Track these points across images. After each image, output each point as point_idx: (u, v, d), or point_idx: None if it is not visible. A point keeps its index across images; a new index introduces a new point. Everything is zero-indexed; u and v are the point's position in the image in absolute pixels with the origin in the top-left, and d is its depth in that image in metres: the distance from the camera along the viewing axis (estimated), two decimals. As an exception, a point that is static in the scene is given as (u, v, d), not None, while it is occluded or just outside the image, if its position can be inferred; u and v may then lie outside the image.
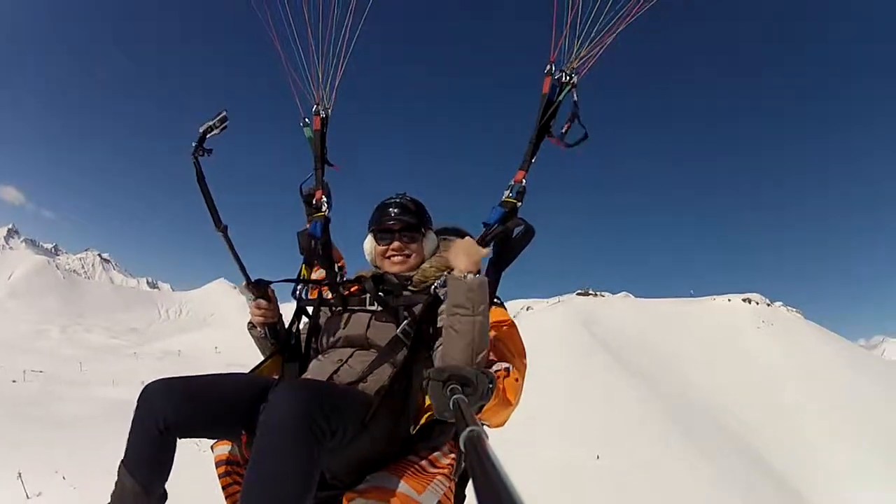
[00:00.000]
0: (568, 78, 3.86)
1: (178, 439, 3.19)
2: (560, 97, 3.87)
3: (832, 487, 62.87)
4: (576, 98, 3.87)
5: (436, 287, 3.66)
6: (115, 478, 3.18)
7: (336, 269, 4.38)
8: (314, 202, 4.54)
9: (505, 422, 3.78)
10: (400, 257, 4.11)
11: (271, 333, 4.15)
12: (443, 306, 3.49)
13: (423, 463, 3.28)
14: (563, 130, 3.85)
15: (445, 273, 3.60)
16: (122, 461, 3.16)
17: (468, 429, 1.66)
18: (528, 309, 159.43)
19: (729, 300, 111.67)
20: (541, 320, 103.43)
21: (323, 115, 4.76)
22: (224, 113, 4.20)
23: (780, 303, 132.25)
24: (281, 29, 4.60)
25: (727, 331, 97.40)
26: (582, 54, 3.85)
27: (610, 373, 78.10)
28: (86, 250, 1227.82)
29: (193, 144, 4.09)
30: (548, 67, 3.89)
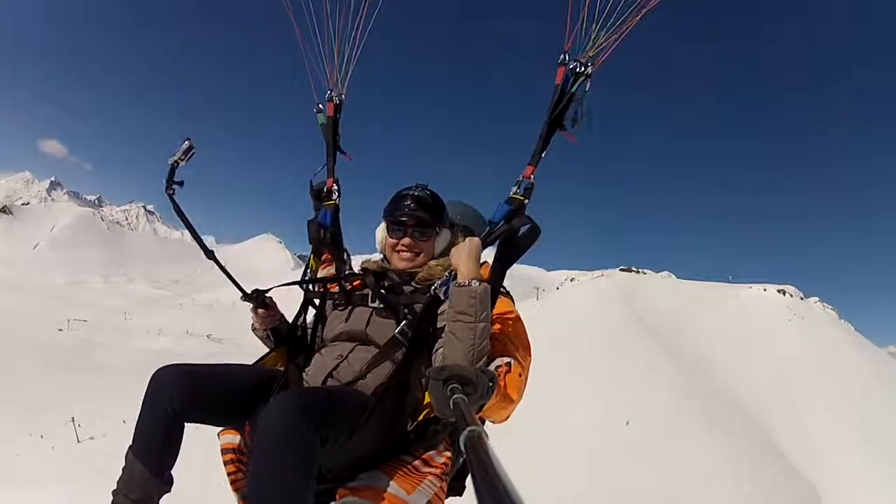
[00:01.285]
0: (583, 68, 3.78)
1: (184, 425, 3.43)
2: (573, 88, 3.79)
3: (840, 483, 63.54)
4: (587, 88, 3.78)
5: (436, 287, 3.65)
6: (123, 463, 3.39)
7: (345, 259, 4.54)
8: (325, 190, 4.67)
9: (507, 418, 3.68)
10: (409, 254, 4.13)
11: (273, 334, 4.37)
12: (443, 307, 3.54)
13: (416, 462, 3.41)
14: (577, 123, 3.81)
15: (446, 275, 3.65)
16: (130, 447, 3.39)
17: (468, 428, 1.66)
18: (571, 280, 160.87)
19: (764, 289, 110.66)
20: (583, 291, 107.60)
21: (336, 100, 4.84)
22: (187, 142, 4.36)
23: (817, 298, 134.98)
24: (299, 9, 4.66)
25: (758, 319, 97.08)
26: (599, 42, 3.77)
27: (643, 347, 79.53)
28: (130, 202, 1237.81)
29: (164, 180, 4.34)
30: (561, 57, 3.83)
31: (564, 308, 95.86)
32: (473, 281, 3.39)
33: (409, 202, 4.12)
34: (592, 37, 3.73)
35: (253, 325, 4.45)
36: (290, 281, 4.43)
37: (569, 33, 3.77)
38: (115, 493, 3.33)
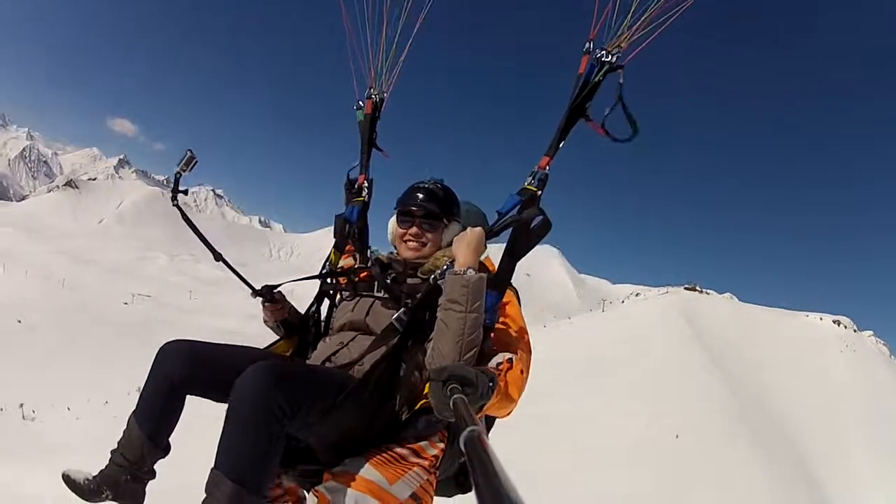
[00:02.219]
0: (609, 57, 3.78)
1: (185, 397, 3.67)
2: (598, 77, 3.77)
3: None
4: (622, 81, 3.75)
5: (435, 277, 3.73)
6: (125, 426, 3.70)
7: (368, 256, 4.56)
8: (356, 186, 4.85)
9: (509, 414, 3.75)
10: (415, 244, 4.22)
11: (284, 326, 4.54)
12: (441, 297, 3.63)
13: (404, 452, 3.45)
14: (605, 114, 3.77)
15: (447, 264, 3.75)
16: (133, 412, 3.67)
17: (468, 428, 1.69)
18: (636, 294, 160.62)
19: (820, 318, 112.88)
20: (647, 307, 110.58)
21: (376, 98, 4.96)
22: (189, 153, 4.46)
23: (871, 332, 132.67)
24: (351, 5, 4.84)
25: (811, 348, 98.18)
26: (632, 33, 3.76)
27: (699, 365, 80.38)
28: (199, 185, 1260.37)
29: (170, 192, 4.54)
30: (586, 45, 3.85)
31: (628, 321, 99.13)
32: (469, 270, 3.50)
33: (419, 193, 4.24)
34: (625, 27, 3.69)
35: (264, 318, 4.61)
36: (303, 276, 4.64)
37: (595, 21, 3.74)
38: (113, 451, 3.65)
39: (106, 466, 3.58)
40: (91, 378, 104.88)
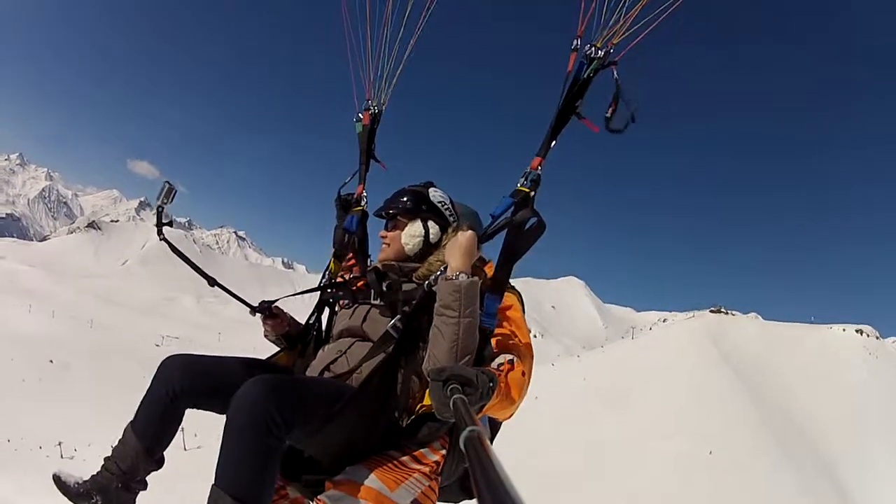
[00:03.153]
0: (598, 53, 3.76)
1: (185, 410, 3.72)
2: (587, 74, 3.74)
3: None
4: (616, 76, 3.75)
5: (429, 283, 3.75)
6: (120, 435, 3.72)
7: (368, 265, 4.71)
8: (355, 196, 4.95)
9: (511, 416, 3.75)
10: (383, 244, 4.34)
11: (286, 339, 4.63)
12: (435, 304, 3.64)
13: (405, 458, 3.49)
14: (608, 115, 3.73)
15: (440, 270, 3.76)
16: (131, 422, 3.70)
17: (468, 429, 1.70)
18: (664, 321, 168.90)
19: (843, 329, 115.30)
20: (675, 332, 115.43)
21: (374, 111, 5.09)
22: (167, 185, 4.52)
23: (894, 338, 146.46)
24: (353, 22, 5.02)
25: (835, 358, 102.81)
26: (622, 28, 3.74)
27: (727, 385, 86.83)
28: (221, 227, 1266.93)
29: (155, 226, 4.55)
30: (574, 43, 3.83)
31: (658, 347, 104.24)
32: (461, 275, 3.50)
33: (391, 197, 4.38)
34: (614, 21, 3.67)
35: (264, 332, 4.69)
36: (303, 290, 4.72)
37: (582, 17, 3.73)
38: (106, 459, 3.67)
39: (98, 473, 3.61)
40: (128, 417, 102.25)
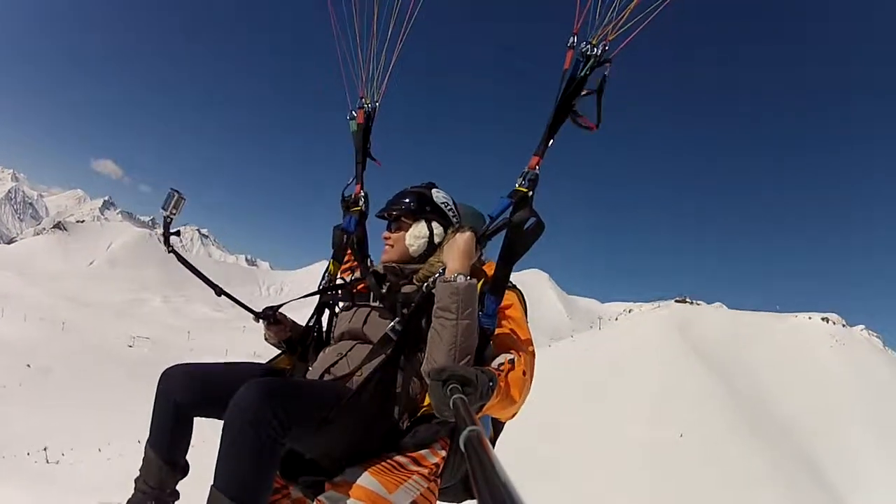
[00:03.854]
0: (595, 50, 3.68)
1: (192, 418, 3.77)
2: (584, 72, 3.71)
3: (866, 492, 74.44)
4: (607, 73, 3.71)
5: (428, 285, 3.73)
6: (143, 455, 3.78)
7: (368, 265, 4.67)
8: (353, 196, 4.89)
9: (513, 415, 3.76)
10: (386, 246, 4.29)
11: (287, 344, 4.59)
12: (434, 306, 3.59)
13: (404, 460, 3.45)
14: (598, 112, 3.76)
15: (439, 272, 3.72)
16: (147, 440, 3.75)
17: (468, 429, 1.67)
18: (629, 311, 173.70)
19: (809, 318, 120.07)
20: (642, 322, 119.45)
21: (368, 108, 5.05)
22: (176, 195, 4.39)
23: (863, 326, 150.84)
24: (341, 19, 4.95)
25: (802, 345, 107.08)
26: (617, 23, 3.66)
27: (696, 371, 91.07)
28: (184, 225, 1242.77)
29: (162, 236, 4.45)
30: (570, 40, 3.76)
31: (625, 337, 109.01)
32: (459, 276, 3.46)
33: (393, 197, 4.36)
34: (610, 17, 3.63)
35: (265, 336, 4.69)
36: (304, 294, 4.60)
37: (578, 14, 3.71)
38: (136, 479, 3.73)
39: (132, 495, 3.73)
40: (110, 419, 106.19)
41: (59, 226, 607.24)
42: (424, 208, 4.26)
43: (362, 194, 4.92)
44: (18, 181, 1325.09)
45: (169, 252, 4.57)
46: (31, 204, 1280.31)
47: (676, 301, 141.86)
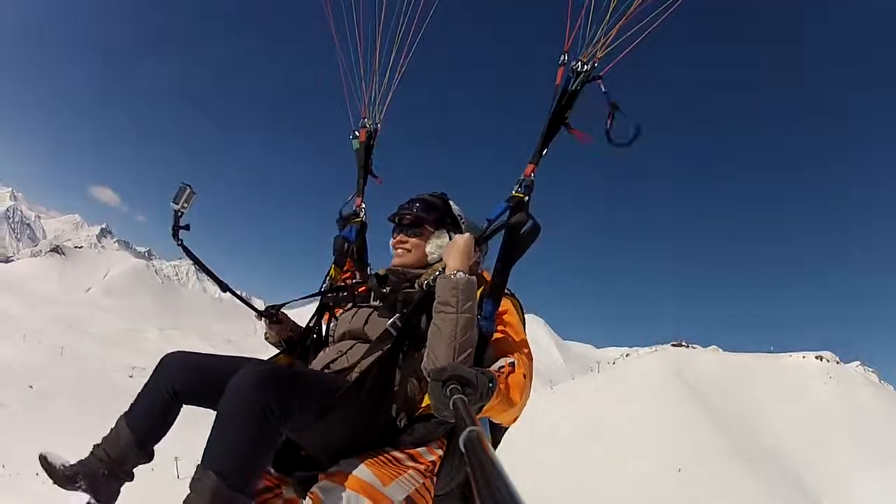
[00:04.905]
0: (584, 67, 3.90)
1: (181, 407, 3.72)
2: (575, 86, 3.91)
3: None
4: (604, 90, 3.91)
5: (429, 284, 3.87)
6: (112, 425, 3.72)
7: (367, 272, 4.88)
8: (354, 208, 5.22)
9: (514, 420, 3.79)
10: (401, 249, 4.39)
11: (287, 343, 4.76)
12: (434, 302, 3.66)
13: (401, 456, 3.50)
14: (608, 128, 3.89)
15: (438, 271, 3.86)
16: (125, 413, 3.70)
17: (468, 429, 1.68)
18: (626, 356, 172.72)
19: (803, 357, 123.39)
20: (640, 365, 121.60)
21: (370, 127, 5.41)
22: (187, 188, 4.53)
23: (858, 362, 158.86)
24: (344, 44, 5.28)
25: (796, 382, 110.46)
26: (606, 42, 3.85)
27: (693, 410, 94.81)
28: (180, 258, 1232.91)
29: (171, 229, 4.54)
30: (561, 57, 4.00)
31: (624, 380, 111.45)
32: (458, 273, 3.60)
33: (409, 202, 4.48)
34: (599, 36, 3.89)
35: (266, 335, 4.92)
36: (306, 295, 4.79)
37: (568, 33, 3.95)
38: (96, 446, 3.66)
39: (86, 458, 3.63)
40: None
41: (56, 249, 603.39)
42: (446, 219, 4.48)
43: (363, 207, 5.26)
44: (17, 200, 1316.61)
45: (178, 245, 4.62)
46: (28, 224, 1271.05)
47: (672, 345, 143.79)
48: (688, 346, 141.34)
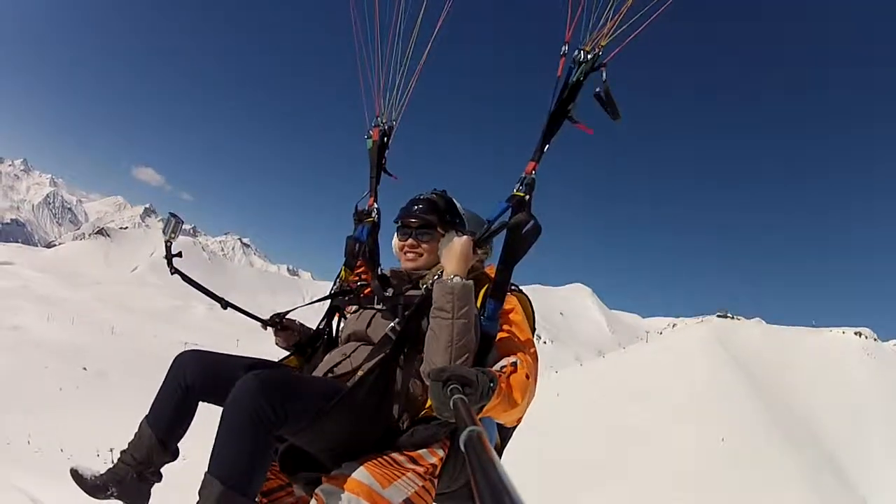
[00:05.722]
0: (586, 56, 3.77)
1: (198, 404, 3.79)
2: (576, 77, 3.75)
3: (891, 499, 78.79)
4: (605, 79, 3.75)
5: (428, 287, 3.75)
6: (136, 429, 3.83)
7: (378, 272, 4.66)
8: (366, 208, 5.05)
9: (519, 420, 3.81)
10: (412, 254, 4.23)
11: (298, 347, 4.61)
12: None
13: (401, 458, 3.48)
14: (610, 112, 3.78)
15: (437, 274, 3.78)
16: (146, 416, 3.77)
17: (468, 429, 1.70)
18: (674, 326, 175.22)
19: (843, 332, 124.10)
20: (686, 335, 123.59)
21: (384, 126, 5.22)
22: (171, 221, 4.50)
23: (895, 341, 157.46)
24: (361, 42, 5.14)
25: (834, 357, 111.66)
26: (609, 29, 3.74)
27: (736, 382, 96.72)
28: (225, 234, 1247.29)
29: (164, 258, 4.49)
30: (563, 48, 3.86)
31: (671, 348, 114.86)
32: (455, 277, 3.54)
33: (415, 205, 4.28)
34: (602, 24, 3.69)
35: (276, 342, 4.72)
36: (310, 301, 5.04)
37: (570, 23, 3.77)
38: (122, 451, 3.75)
39: (114, 465, 3.70)
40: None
41: (101, 231, 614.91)
42: (454, 219, 4.29)
43: (375, 207, 5.04)
44: (57, 186, 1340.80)
45: (172, 274, 4.54)
46: (69, 209, 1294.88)
47: (718, 316, 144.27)
48: (733, 318, 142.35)
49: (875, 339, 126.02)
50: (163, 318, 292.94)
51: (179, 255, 4.51)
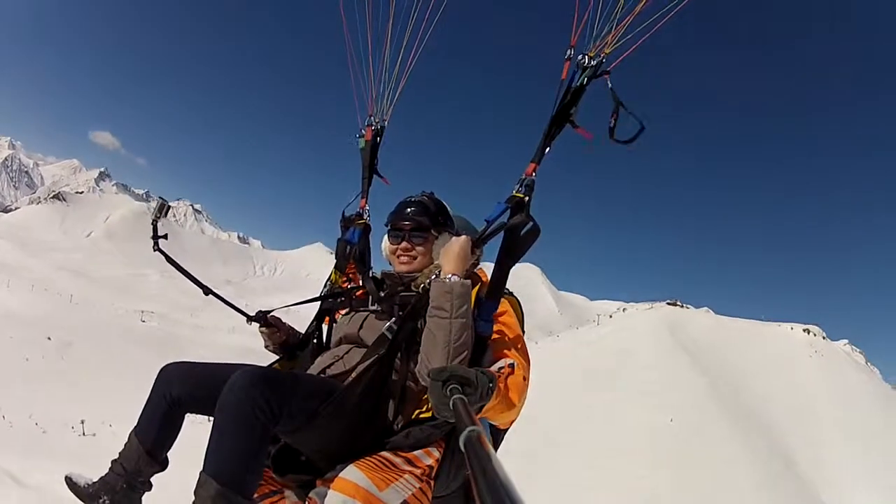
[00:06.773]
0: (591, 61, 3.79)
1: (185, 415, 3.76)
2: (580, 82, 3.79)
3: (843, 492, 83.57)
4: (610, 86, 3.81)
5: (425, 287, 3.81)
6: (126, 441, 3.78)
7: (369, 276, 4.68)
8: (358, 210, 5.04)
9: (512, 422, 3.81)
10: (406, 257, 4.29)
11: (285, 349, 4.70)
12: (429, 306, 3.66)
13: (398, 460, 3.46)
14: (611, 125, 3.79)
15: (434, 274, 3.80)
16: (134, 428, 3.74)
17: (468, 429, 1.65)
18: (623, 310, 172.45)
19: (791, 328, 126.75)
20: (635, 321, 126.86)
21: (376, 126, 5.18)
22: (160, 201, 4.63)
23: (846, 340, 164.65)
24: (353, 37, 5.08)
25: (782, 351, 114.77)
26: (614, 37, 3.75)
27: (684, 369, 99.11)
28: (178, 200, 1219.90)
29: (151, 238, 4.49)
30: (568, 52, 3.86)
31: (621, 332, 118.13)
32: (453, 276, 3.62)
33: (407, 208, 4.38)
34: (607, 31, 3.80)
35: (265, 345, 4.83)
36: (301, 300, 4.78)
37: (575, 27, 3.87)
38: (113, 461, 3.80)
39: (106, 474, 3.74)
40: (140, 394, 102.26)
41: (57, 196, 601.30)
42: (447, 222, 4.43)
43: (367, 208, 5.07)
44: (15, 149, 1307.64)
45: (155, 251, 4.59)
46: (27, 172, 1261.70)
47: (668, 303, 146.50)
48: (682, 306, 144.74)
49: (824, 338, 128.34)
50: (120, 287, 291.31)
51: (165, 237, 4.54)
